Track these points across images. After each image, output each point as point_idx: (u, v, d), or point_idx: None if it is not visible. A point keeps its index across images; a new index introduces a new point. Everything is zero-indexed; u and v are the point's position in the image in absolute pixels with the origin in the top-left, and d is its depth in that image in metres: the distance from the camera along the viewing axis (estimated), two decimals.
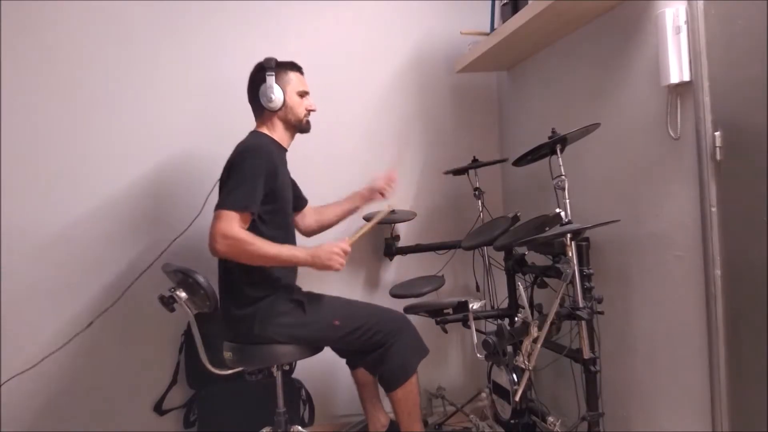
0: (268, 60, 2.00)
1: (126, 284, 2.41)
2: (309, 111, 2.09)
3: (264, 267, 1.88)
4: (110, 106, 2.45)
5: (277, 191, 1.93)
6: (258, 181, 1.84)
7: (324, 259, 1.86)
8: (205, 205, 2.36)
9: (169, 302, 1.81)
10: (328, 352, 2.05)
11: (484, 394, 2.22)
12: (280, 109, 2.00)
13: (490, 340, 1.72)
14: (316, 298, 2.01)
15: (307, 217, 2.32)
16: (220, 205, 1.81)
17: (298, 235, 2.19)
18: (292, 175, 2.14)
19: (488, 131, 2.89)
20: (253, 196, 1.83)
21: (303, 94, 2.07)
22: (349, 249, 1.91)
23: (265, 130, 2.03)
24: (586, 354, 1.80)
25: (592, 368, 1.80)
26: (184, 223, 2.41)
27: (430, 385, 2.66)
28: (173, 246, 2.43)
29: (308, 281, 2.16)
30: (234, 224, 1.78)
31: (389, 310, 2.05)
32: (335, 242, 1.90)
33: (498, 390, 2.21)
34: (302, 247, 1.93)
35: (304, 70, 2.11)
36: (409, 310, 2.13)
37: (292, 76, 2.05)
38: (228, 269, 1.94)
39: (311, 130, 2.12)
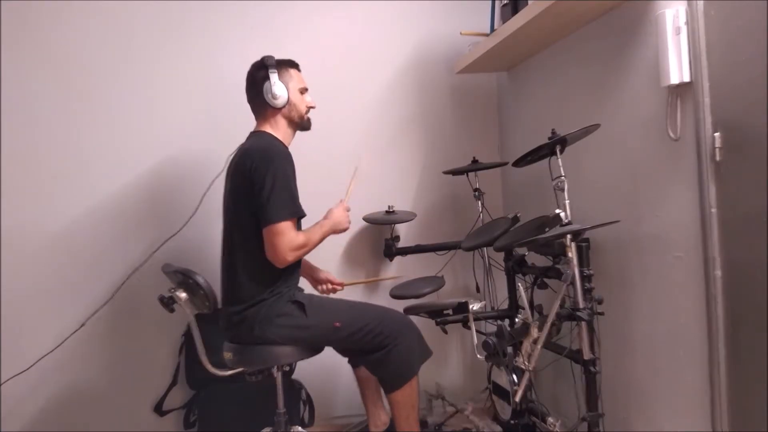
0: (268, 58, 2.00)
1: (125, 284, 2.41)
2: (309, 108, 2.09)
3: (268, 267, 1.87)
4: (110, 106, 2.45)
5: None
6: (294, 183, 1.90)
7: (339, 227, 2.07)
8: (200, 205, 2.36)
9: (169, 303, 1.81)
10: (328, 352, 2.05)
11: (469, 408, 2.20)
12: (284, 106, 2.00)
13: (491, 341, 1.72)
14: (317, 300, 2.00)
15: None
16: (275, 218, 1.82)
17: None
18: None
19: (488, 132, 2.89)
20: (297, 200, 1.89)
21: (303, 91, 2.07)
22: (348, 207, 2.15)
23: (268, 129, 2.02)
24: (586, 355, 1.80)
25: (592, 369, 1.80)
26: (184, 222, 2.41)
27: (430, 385, 2.66)
28: (173, 246, 2.43)
29: (308, 283, 2.16)
30: (293, 233, 1.86)
31: (392, 311, 2.05)
32: (338, 207, 2.12)
33: (498, 391, 2.21)
34: (322, 226, 2.02)
35: (305, 70, 2.12)
36: (409, 311, 2.13)
37: (293, 72, 2.05)
38: (231, 270, 1.94)
39: (311, 129, 2.12)
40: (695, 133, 1.63)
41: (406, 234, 2.75)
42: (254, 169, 1.84)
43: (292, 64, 2.07)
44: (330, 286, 2.28)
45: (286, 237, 1.82)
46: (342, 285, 2.30)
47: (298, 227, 1.93)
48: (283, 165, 1.87)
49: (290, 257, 1.85)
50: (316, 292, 2.26)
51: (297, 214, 1.88)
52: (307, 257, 2.07)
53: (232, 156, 2.00)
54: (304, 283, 2.12)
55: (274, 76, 1.97)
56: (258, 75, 2.00)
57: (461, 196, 2.76)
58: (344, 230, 2.11)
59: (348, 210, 2.12)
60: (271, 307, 1.88)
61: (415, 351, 2.00)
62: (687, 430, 1.73)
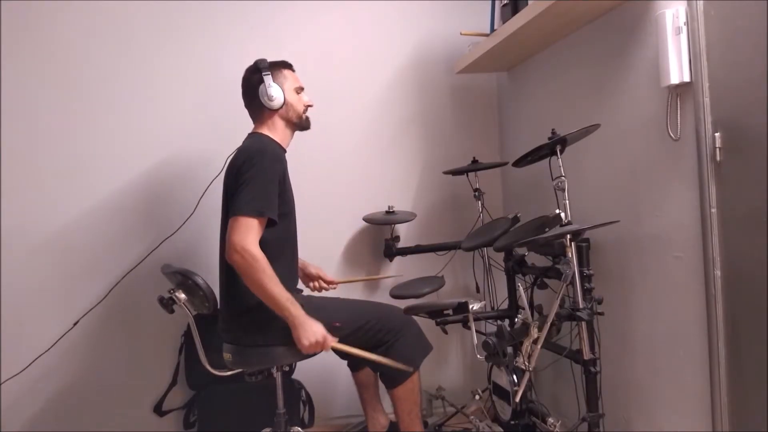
0: (261, 61, 2.00)
1: (124, 283, 2.41)
2: (307, 107, 2.09)
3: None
4: (109, 107, 2.45)
5: (286, 195, 1.93)
6: (273, 185, 1.84)
7: (306, 334, 1.76)
8: (197, 206, 2.36)
9: (168, 304, 1.81)
10: (327, 353, 2.05)
11: (477, 397, 2.21)
12: (281, 107, 2.00)
13: (491, 341, 1.72)
14: (316, 301, 2.00)
15: None
16: (237, 212, 1.77)
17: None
18: (291, 176, 2.14)
19: (488, 132, 2.89)
20: (271, 201, 1.82)
21: (299, 90, 2.07)
22: (330, 347, 1.82)
23: (265, 131, 2.02)
24: (586, 355, 1.80)
25: (592, 369, 1.80)
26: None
27: (430, 386, 2.66)
28: (173, 247, 2.43)
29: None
30: (252, 235, 1.75)
31: (391, 307, 2.05)
32: (326, 333, 1.80)
33: (498, 391, 2.21)
34: (298, 308, 1.78)
35: (305, 70, 2.12)
36: (409, 311, 2.12)
37: (287, 73, 2.05)
38: (229, 271, 1.93)
39: (311, 130, 2.12)
40: (695, 133, 1.63)
41: (406, 234, 2.75)
42: (241, 165, 1.84)
43: (286, 65, 2.07)
44: (320, 283, 2.25)
45: (240, 234, 1.73)
46: (334, 283, 2.27)
47: (279, 240, 1.87)
48: (268, 164, 1.85)
49: (236, 256, 1.72)
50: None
51: (263, 213, 1.79)
52: (300, 253, 2.05)
53: (230, 157, 2.01)
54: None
55: (268, 79, 1.97)
56: (252, 79, 2.00)
57: (461, 196, 2.76)
58: (299, 342, 1.77)
59: (324, 346, 1.80)
60: (270, 309, 1.87)
61: (416, 346, 2.00)
62: (687, 430, 1.73)
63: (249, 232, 1.75)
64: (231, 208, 1.79)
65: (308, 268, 2.28)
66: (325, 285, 2.28)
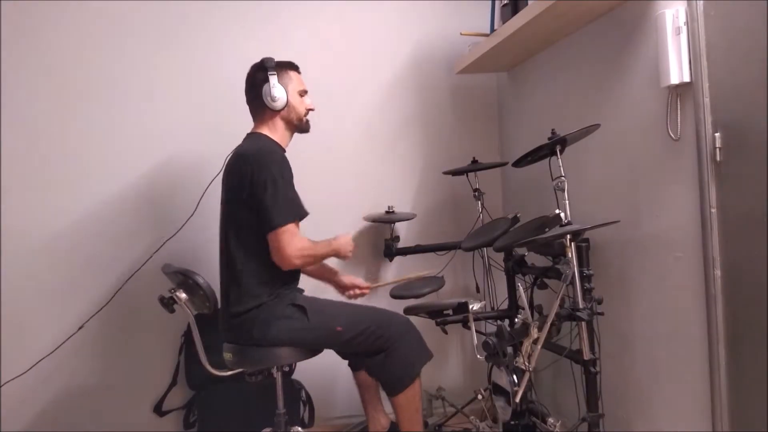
0: (268, 60, 1.99)
1: (125, 285, 2.41)
2: (308, 110, 2.09)
3: (266, 269, 1.88)
4: (109, 107, 2.45)
5: None
6: (291, 185, 1.90)
7: (346, 252, 2.05)
8: (197, 207, 2.36)
9: (169, 303, 1.81)
10: (328, 353, 2.05)
11: (480, 396, 2.21)
12: (283, 108, 2.00)
13: (491, 341, 1.72)
14: (318, 303, 1.99)
15: None
16: (280, 222, 1.83)
17: None
18: None
19: (488, 132, 2.89)
20: (298, 202, 1.91)
21: (303, 93, 2.06)
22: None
23: (265, 131, 2.02)
24: (586, 355, 1.80)
25: (592, 369, 1.80)
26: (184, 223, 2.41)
27: (430, 386, 2.66)
28: (173, 246, 2.43)
29: (309, 283, 2.16)
30: (299, 236, 1.88)
31: (392, 313, 2.04)
32: (349, 239, 2.06)
33: (498, 391, 2.21)
34: (329, 243, 2.01)
35: (305, 71, 2.11)
36: (409, 311, 2.13)
37: (292, 75, 2.05)
38: (229, 271, 1.93)
39: (311, 131, 2.12)
40: (695, 133, 1.63)
41: (406, 234, 2.75)
42: (251, 173, 1.84)
43: (292, 66, 2.06)
44: (358, 291, 2.25)
45: (293, 240, 1.84)
46: (369, 288, 2.28)
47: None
48: (280, 168, 1.87)
49: (297, 261, 1.87)
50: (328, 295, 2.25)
51: (300, 216, 1.90)
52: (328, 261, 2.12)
53: (228, 157, 2.00)
54: (310, 284, 2.12)
55: (273, 79, 1.97)
56: (257, 77, 1.99)
57: (461, 196, 2.76)
58: (344, 258, 2.07)
59: (353, 246, 2.08)
60: (271, 310, 1.88)
61: (416, 353, 1.99)
62: (687, 430, 1.73)
63: (293, 239, 1.85)
64: (265, 222, 1.84)
65: (340, 277, 2.27)
66: (360, 292, 2.26)
